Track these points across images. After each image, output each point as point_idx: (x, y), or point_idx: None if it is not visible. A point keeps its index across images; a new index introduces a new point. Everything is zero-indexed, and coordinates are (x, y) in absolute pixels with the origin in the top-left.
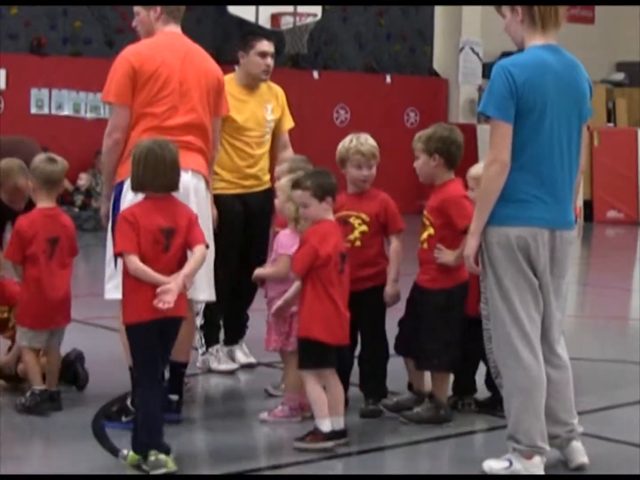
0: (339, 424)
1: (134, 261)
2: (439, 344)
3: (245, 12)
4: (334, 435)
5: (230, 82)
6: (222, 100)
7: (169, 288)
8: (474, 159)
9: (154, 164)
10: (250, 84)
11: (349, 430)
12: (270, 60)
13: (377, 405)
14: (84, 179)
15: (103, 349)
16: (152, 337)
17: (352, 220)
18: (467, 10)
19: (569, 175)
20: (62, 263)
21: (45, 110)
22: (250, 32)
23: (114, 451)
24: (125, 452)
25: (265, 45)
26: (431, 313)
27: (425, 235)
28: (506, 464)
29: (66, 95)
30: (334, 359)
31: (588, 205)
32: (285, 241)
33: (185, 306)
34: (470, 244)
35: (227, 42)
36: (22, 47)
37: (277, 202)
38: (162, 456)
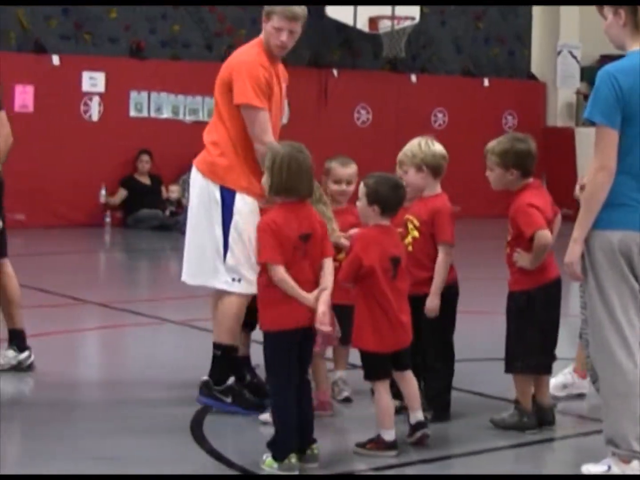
0: (416, 417)
1: (281, 272)
2: (521, 346)
3: (343, 16)
4: (396, 444)
5: None
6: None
7: (325, 311)
8: (572, 163)
9: (297, 169)
10: None
11: (433, 435)
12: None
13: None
14: (175, 192)
15: (197, 349)
16: (294, 345)
17: (408, 224)
18: (565, 13)
19: None
20: None
21: (144, 113)
22: None
23: (212, 451)
24: (264, 457)
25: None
26: (512, 315)
27: (507, 239)
28: (605, 467)
29: (165, 98)
30: (390, 368)
31: None
32: None
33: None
34: (574, 250)
35: (325, 46)
36: (122, 51)
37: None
38: (294, 460)
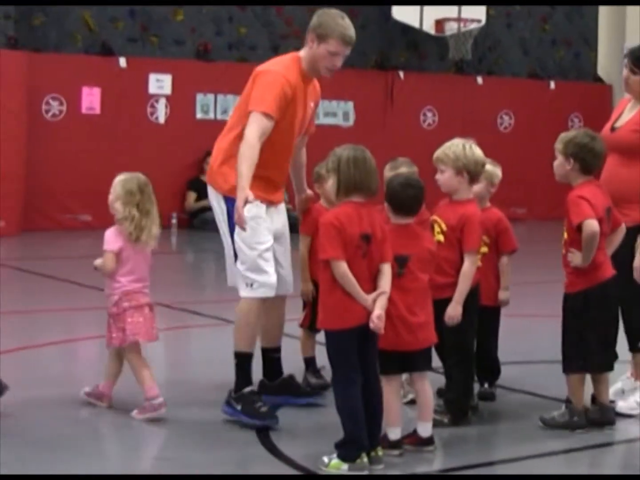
0: (426, 431)
1: (343, 268)
2: (579, 346)
3: (409, 18)
4: (400, 444)
5: None
6: None
7: (380, 314)
8: None
9: (363, 165)
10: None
11: (497, 437)
12: None
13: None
14: None
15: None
16: (354, 342)
17: (435, 226)
18: (632, 14)
19: None
20: None
21: (211, 115)
22: None
23: (277, 452)
24: (326, 460)
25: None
26: (569, 317)
27: (563, 240)
28: None
29: (231, 100)
30: (396, 366)
31: None
32: (109, 237)
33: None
34: None
35: (391, 49)
36: (188, 53)
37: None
38: (366, 460)
